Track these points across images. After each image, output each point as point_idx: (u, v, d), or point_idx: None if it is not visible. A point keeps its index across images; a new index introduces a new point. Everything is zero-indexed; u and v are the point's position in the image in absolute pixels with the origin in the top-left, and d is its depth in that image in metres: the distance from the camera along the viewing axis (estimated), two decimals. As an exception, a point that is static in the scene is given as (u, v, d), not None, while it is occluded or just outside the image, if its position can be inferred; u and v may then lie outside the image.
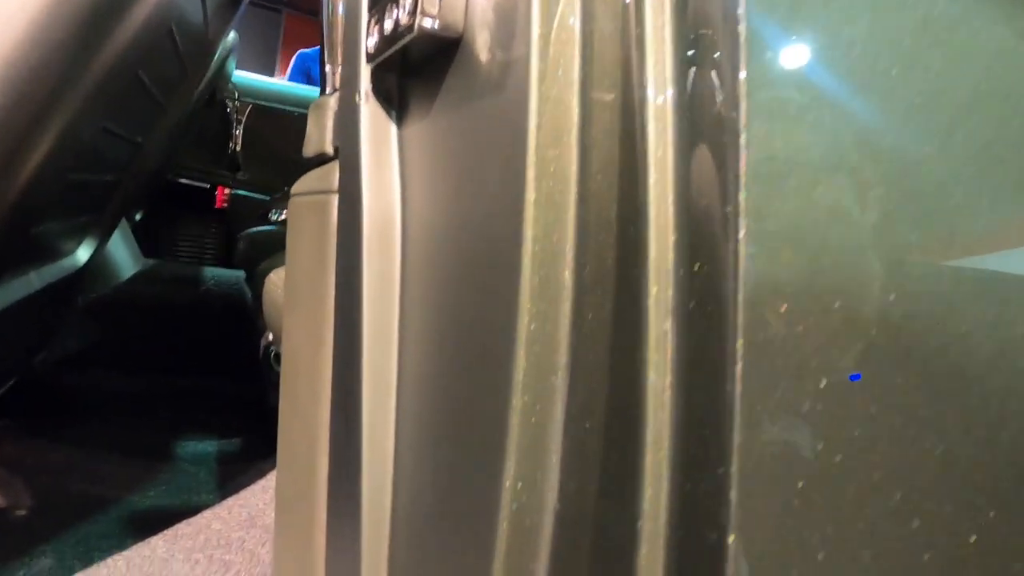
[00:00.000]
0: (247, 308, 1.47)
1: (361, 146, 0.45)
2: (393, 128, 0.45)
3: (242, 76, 2.73)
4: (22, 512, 0.95)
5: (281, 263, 1.18)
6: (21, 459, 1.11)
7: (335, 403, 0.49)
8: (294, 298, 0.58)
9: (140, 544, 0.90)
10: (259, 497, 1.10)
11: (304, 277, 0.55)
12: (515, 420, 0.30)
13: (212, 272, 1.61)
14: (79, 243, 1.08)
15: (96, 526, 0.94)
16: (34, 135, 0.58)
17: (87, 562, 0.84)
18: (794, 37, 0.25)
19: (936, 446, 0.24)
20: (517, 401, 0.30)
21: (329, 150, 0.52)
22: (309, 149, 0.55)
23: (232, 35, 1.67)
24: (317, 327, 0.51)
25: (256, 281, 1.30)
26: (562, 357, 0.30)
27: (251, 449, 1.30)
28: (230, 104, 2.71)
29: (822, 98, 0.25)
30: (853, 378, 0.23)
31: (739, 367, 0.23)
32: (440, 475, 0.38)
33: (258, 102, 2.76)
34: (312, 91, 3.24)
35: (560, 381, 0.30)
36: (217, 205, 2.72)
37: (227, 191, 2.80)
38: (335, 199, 0.49)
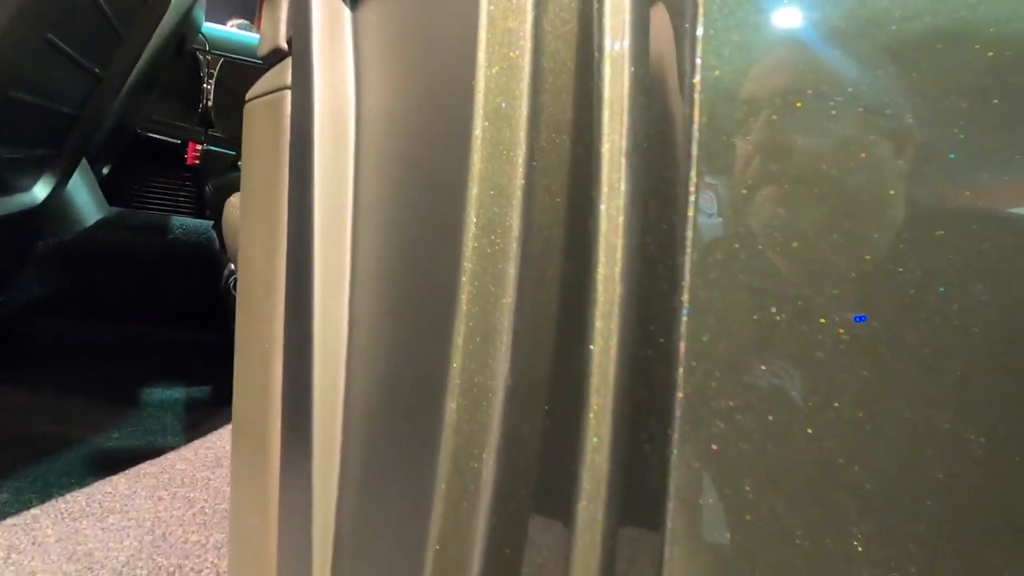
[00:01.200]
0: (215, 256, 1.44)
1: (313, 34, 0.42)
2: (347, 14, 0.43)
3: (213, 28, 2.64)
4: (-21, 450, 0.93)
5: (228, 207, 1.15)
6: (-20, 401, 1.09)
7: (288, 313, 0.48)
8: (249, 207, 0.56)
9: (102, 481, 0.89)
10: (227, 439, 1.09)
11: (258, 181, 0.53)
12: (460, 324, 0.29)
13: (180, 221, 1.57)
14: (36, 179, 1.04)
15: (57, 464, 0.92)
16: None
17: (45, 497, 0.82)
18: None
19: (876, 418, 0.22)
20: (463, 297, 0.29)
21: (283, 45, 0.49)
22: (264, 47, 0.53)
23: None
24: (271, 232, 0.50)
25: (220, 224, 1.27)
26: (511, 270, 0.29)
27: (219, 395, 1.29)
28: (200, 57, 2.63)
29: (779, 50, 0.23)
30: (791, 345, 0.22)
31: (684, 323, 0.21)
32: (387, 403, 0.36)
33: (230, 55, 2.68)
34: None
35: (507, 303, 0.29)
36: (188, 162, 2.66)
37: (199, 147, 2.74)
38: (288, 95, 0.47)
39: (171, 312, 1.46)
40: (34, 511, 0.79)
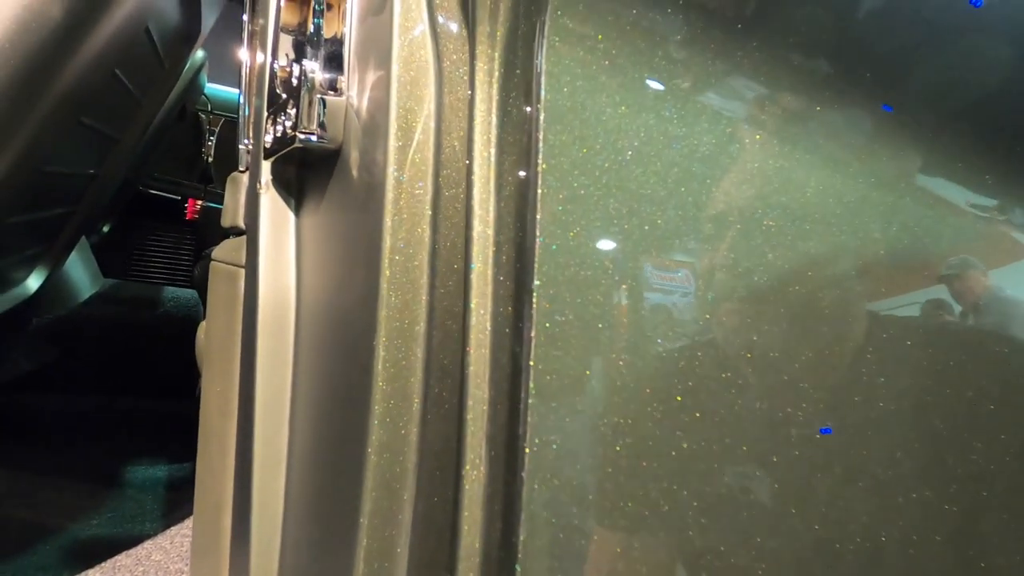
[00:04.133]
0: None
1: (260, 230, 0.48)
2: (291, 215, 0.48)
3: (215, 88, 2.73)
4: (-40, 541, 0.96)
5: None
6: (-35, 484, 1.12)
7: (237, 473, 0.52)
8: (210, 354, 0.60)
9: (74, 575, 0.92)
10: (202, 525, 1.12)
11: (219, 337, 0.58)
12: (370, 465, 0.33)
13: (172, 293, 1.62)
14: (26, 273, 1.10)
15: (34, 557, 0.95)
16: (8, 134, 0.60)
17: (20, 595, 0.85)
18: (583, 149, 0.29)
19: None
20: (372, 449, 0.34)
21: (241, 224, 0.55)
22: (226, 220, 0.58)
23: (201, 52, 1.69)
24: (225, 387, 0.54)
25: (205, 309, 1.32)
26: (413, 410, 0.33)
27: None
28: (202, 116, 2.72)
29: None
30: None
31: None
32: (315, 523, 0.41)
33: (230, 115, 2.77)
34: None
35: (409, 432, 0.34)
36: (188, 217, 2.73)
37: (198, 203, 2.80)
38: (243, 273, 0.52)
39: (157, 385, 1.49)
40: (8, 611, 0.82)
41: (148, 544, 1.03)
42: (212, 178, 2.83)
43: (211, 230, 2.85)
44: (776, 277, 0.31)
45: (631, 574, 0.28)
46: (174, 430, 1.46)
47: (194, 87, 1.85)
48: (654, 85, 0.31)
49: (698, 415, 0.29)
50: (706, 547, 0.29)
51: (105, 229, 2.29)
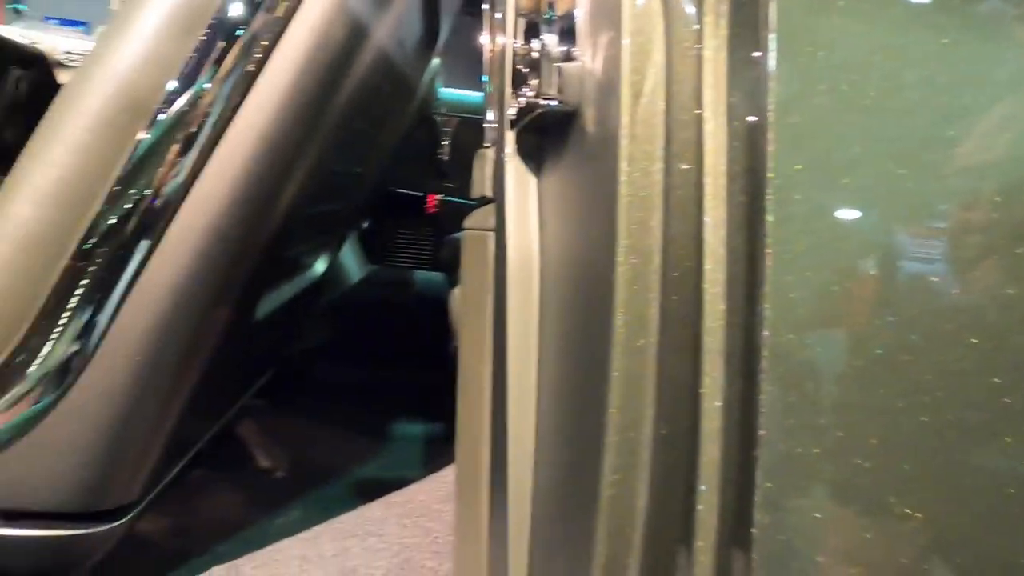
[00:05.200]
0: (447, 309, 1.67)
1: (507, 195, 0.54)
2: (533, 180, 0.54)
3: (448, 92, 2.99)
4: (281, 474, 1.21)
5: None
6: (277, 431, 1.39)
7: (493, 408, 0.60)
8: (465, 314, 0.69)
9: (362, 507, 1.10)
10: (456, 476, 1.27)
11: (472, 297, 0.66)
12: (613, 425, 0.37)
13: (422, 276, 1.84)
14: (316, 259, 1.33)
15: (331, 489, 1.16)
16: (285, 185, 0.76)
17: (324, 518, 1.05)
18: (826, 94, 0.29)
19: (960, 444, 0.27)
20: (612, 410, 0.37)
21: (488, 194, 0.62)
22: (475, 191, 0.66)
23: (436, 60, 1.88)
24: (480, 342, 0.62)
25: (453, 286, 1.49)
26: (650, 373, 0.37)
27: (451, 433, 1.49)
28: (439, 119, 3.00)
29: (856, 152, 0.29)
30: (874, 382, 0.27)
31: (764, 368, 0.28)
32: (563, 466, 0.46)
33: (463, 114, 3.01)
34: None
35: (648, 393, 0.37)
36: (428, 211, 3.04)
37: (437, 197, 3.10)
38: (492, 236, 0.59)
39: (414, 356, 1.72)
40: (317, 529, 1.02)
41: (414, 487, 1.20)
42: (447, 174, 3.10)
43: (448, 221, 3.12)
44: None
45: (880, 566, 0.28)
46: (429, 397, 1.67)
47: (430, 95, 2.05)
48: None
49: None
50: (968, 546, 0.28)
51: (364, 226, 2.65)
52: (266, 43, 0.69)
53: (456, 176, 3.13)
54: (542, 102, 0.44)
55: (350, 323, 1.65)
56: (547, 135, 0.52)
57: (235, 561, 0.91)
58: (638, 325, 0.36)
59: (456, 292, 1.04)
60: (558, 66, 0.44)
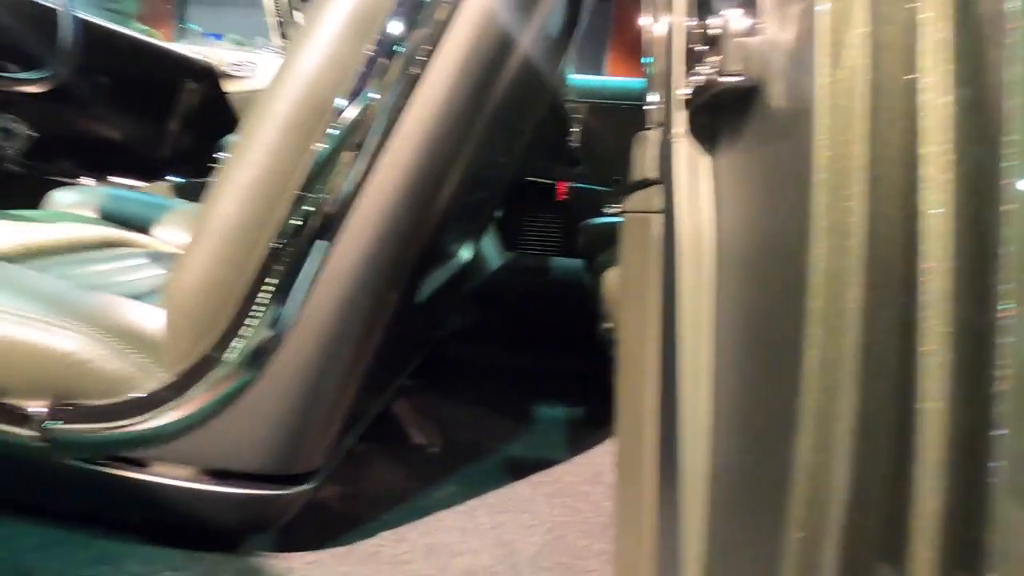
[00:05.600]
0: (586, 295, 1.68)
1: (678, 176, 0.54)
2: (705, 159, 0.53)
3: (576, 78, 2.99)
4: (434, 450, 1.28)
5: (613, 256, 1.33)
6: (430, 410, 1.47)
7: (660, 390, 0.60)
8: (626, 296, 0.70)
9: (511, 485, 1.14)
10: (601, 458, 1.28)
11: (634, 279, 0.67)
12: (807, 417, 0.36)
13: (558, 263, 1.87)
14: (463, 246, 1.39)
15: (481, 466, 1.21)
16: (445, 182, 0.80)
17: (477, 493, 1.10)
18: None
19: None
20: (807, 398, 0.37)
21: (652, 176, 0.62)
22: (636, 173, 0.66)
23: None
24: (643, 322, 0.62)
25: (595, 271, 1.49)
26: (848, 360, 0.35)
27: (593, 416, 1.50)
28: (568, 106, 3.00)
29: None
30: None
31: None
32: (747, 451, 0.45)
33: (591, 100, 3.00)
34: (639, 82, 3.38)
35: (845, 377, 0.35)
36: (558, 198, 3.06)
37: (566, 184, 3.11)
38: (658, 218, 0.59)
39: (554, 340, 1.75)
40: (471, 503, 1.07)
41: (559, 468, 1.23)
42: (577, 161, 3.11)
43: (578, 207, 3.13)
44: None
45: None
46: (568, 379, 1.70)
47: (562, 78, 2.06)
48: None
49: None
50: None
51: (498, 215, 2.71)
52: (423, 56, 0.73)
53: (585, 162, 3.13)
54: (722, 79, 0.44)
55: (492, 308, 1.72)
56: (721, 114, 0.52)
57: (401, 528, 0.98)
58: (835, 311, 0.35)
59: (610, 275, 1.04)
60: (740, 41, 0.43)
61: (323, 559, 0.88)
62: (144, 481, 0.81)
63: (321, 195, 0.74)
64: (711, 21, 0.46)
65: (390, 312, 0.84)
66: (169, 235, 1.53)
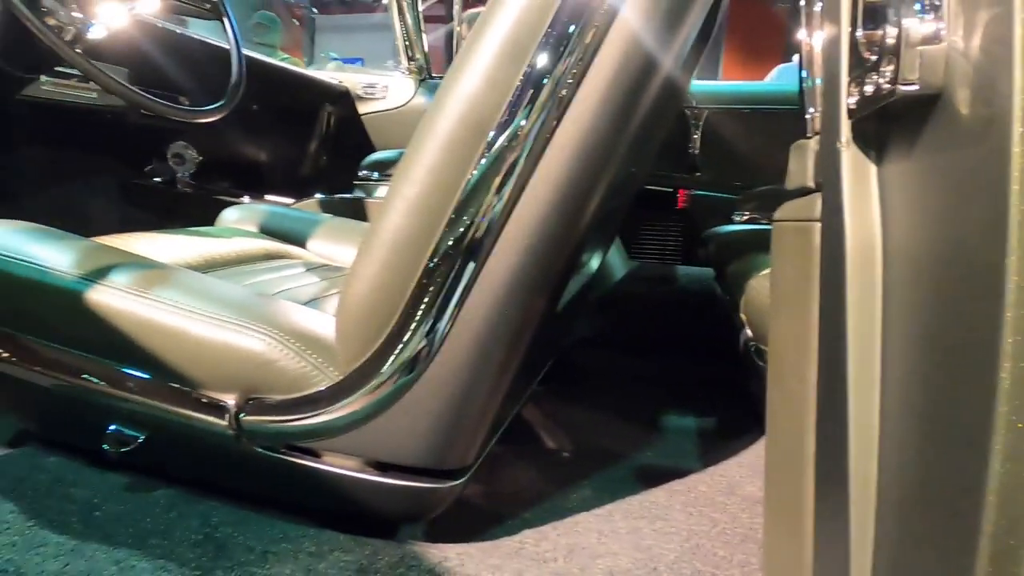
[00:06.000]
0: (717, 303, 1.65)
1: (843, 184, 0.54)
2: (873, 168, 0.53)
3: (696, 83, 2.94)
4: (566, 455, 1.31)
5: (749, 264, 1.31)
6: (557, 415, 1.50)
7: (820, 398, 0.59)
8: (779, 306, 0.70)
9: (645, 492, 1.15)
10: (734, 470, 1.26)
11: (789, 289, 0.67)
12: (1000, 424, 0.36)
13: (684, 271, 1.85)
14: (592, 256, 1.41)
15: (614, 472, 1.23)
16: (590, 198, 0.84)
17: (614, 498, 1.12)
18: None
19: None
20: (1002, 408, 0.36)
21: (811, 185, 0.62)
22: (792, 182, 0.66)
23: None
24: (802, 331, 0.62)
25: (727, 280, 1.47)
26: None
27: (723, 426, 1.48)
28: (688, 112, 2.96)
29: None
30: None
31: None
32: (923, 463, 0.45)
33: (713, 106, 2.94)
34: (760, 86, 3.27)
35: None
36: (679, 206, 3.02)
37: (686, 192, 3.07)
38: (818, 227, 0.59)
39: (682, 349, 1.74)
40: (608, 507, 1.09)
41: (693, 477, 1.22)
42: (698, 167, 3.06)
43: (699, 215, 3.08)
44: None
45: None
46: (697, 386, 1.68)
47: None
48: None
49: None
50: None
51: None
52: (572, 79, 0.76)
53: (705, 168, 3.07)
54: (899, 88, 0.44)
55: (620, 316, 1.73)
56: (890, 122, 0.51)
57: (541, 527, 1.02)
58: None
59: (754, 284, 1.03)
60: (920, 49, 0.43)
61: (471, 552, 0.93)
62: (317, 469, 0.90)
63: (478, 210, 0.79)
64: (888, 29, 0.46)
65: (536, 320, 0.89)
66: (319, 247, 1.67)
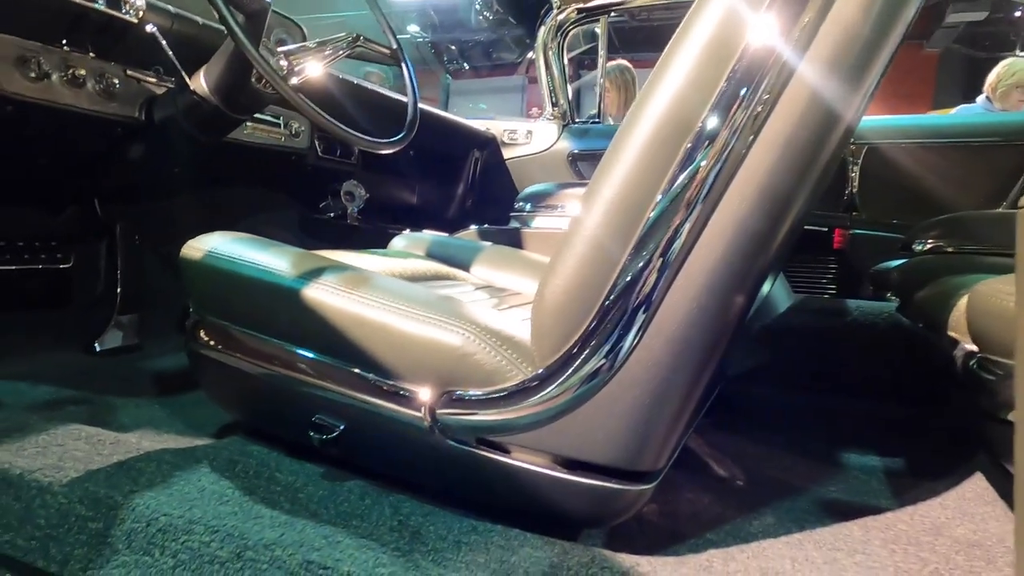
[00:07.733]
0: (905, 334, 1.54)
1: None
2: None
3: (868, 120, 2.82)
4: (740, 483, 1.25)
5: (949, 286, 1.21)
6: (725, 446, 1.44)
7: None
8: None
9: (837, 524, 1.07)
10: (937, 511, 1.14)
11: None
12: None
13: (856, 304, 1.74)
14: (766, 279, 1.37)
15: (795, 503, 1.15)
16: (780, 227, 0.82)
17: (797, 529, 1.05)
18: None
19: None
20: None
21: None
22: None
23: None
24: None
25: (920, 306, 1.37)
26: None
27: (915, 466, 1.35)
28: (847, 151, 2.84)
29: None
30: None
31: None
32: None
33: (873, 142, 2.80)
34: (927, 119, 3.08)
35: None
36: (835, 247, 2.87)
37: (843, 232, 2.91)
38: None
39: (855, 384, 1.62)
40: (796, 536, 1.02)
41: (888, 515, 1.12)
42: (857, 207, 2.90)
43: (856, 255, 2.90)
44: None
45: None
46: (874, 426, 1.55)
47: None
48: None
49: None
50: None
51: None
52: (770, 94, 0.76)
53: (867, 207, 2.91)
54: None
55: (783, 349, 1.65)
56: None
57: (727, 548, 0.97)
58: None
59: (962, 302, 0.96)
60: None
61: (657, 566, 0.90)
62: (507, 464, 0.91)
63: (675, 210, 0.80)
64: None
65: (731, 326, 0.87)
66: (481, 272, 1.73)
